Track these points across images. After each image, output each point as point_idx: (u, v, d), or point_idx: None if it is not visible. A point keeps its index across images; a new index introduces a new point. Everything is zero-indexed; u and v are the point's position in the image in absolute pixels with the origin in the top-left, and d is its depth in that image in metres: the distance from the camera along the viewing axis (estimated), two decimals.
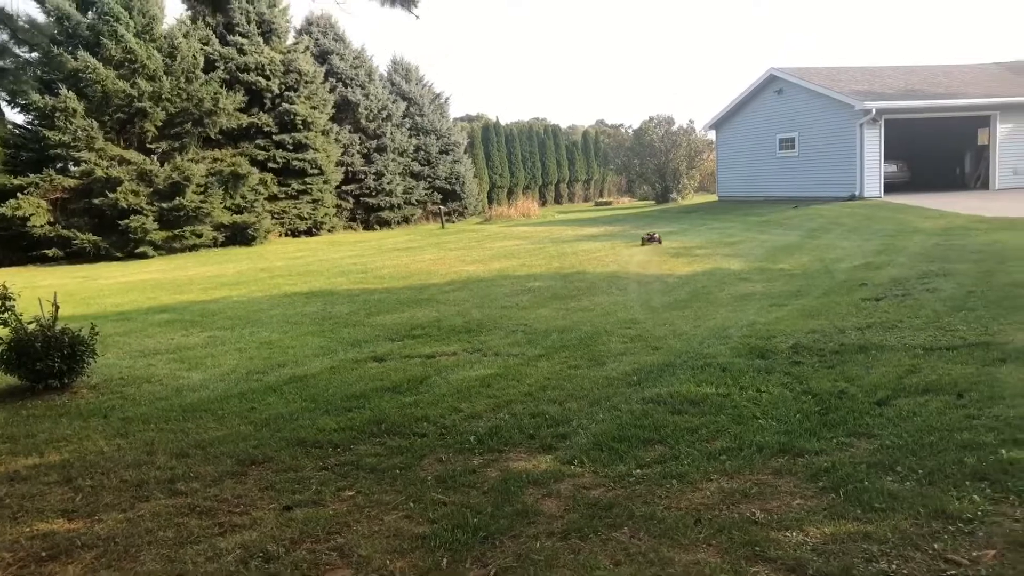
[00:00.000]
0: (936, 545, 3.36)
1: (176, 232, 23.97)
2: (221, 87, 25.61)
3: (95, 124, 22.87)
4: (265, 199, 27.42)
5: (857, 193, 23.82)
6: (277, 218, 28.31)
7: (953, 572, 3.15)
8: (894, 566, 3.22)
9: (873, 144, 23.68)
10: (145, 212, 23.22)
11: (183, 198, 23.61)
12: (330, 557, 3.63)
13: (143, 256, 23.33)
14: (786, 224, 20.18)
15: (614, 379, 6.39)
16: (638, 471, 4.42)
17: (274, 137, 28.29)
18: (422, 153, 35.17)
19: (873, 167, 23.80)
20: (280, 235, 28.51)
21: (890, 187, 24.40)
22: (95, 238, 23.06)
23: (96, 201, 22.87)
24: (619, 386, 6.18)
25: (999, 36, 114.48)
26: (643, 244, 17.16)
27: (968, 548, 3.33)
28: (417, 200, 34.62)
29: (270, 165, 28.06)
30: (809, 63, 28.41)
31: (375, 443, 5.16)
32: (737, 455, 4.55)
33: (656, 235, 17.67)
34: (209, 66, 26.14)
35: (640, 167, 39.84)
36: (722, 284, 11.38)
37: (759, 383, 5.99)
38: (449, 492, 4.29)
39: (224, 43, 27.67)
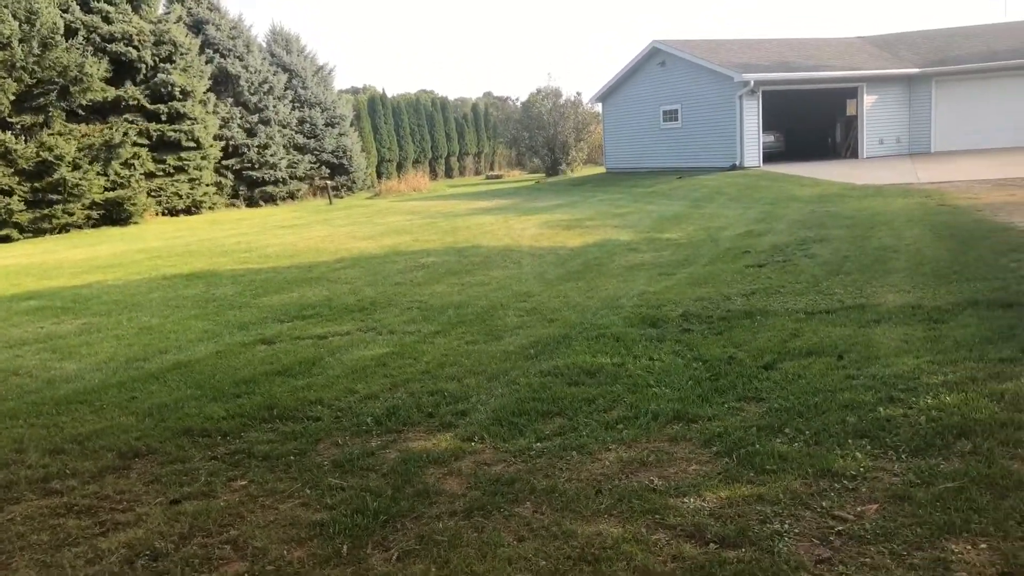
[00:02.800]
0: (824, 503, 3.50)
1: (45, 212, 22.44)
2: (84, 55, 23.96)
3: None
4: (141, 175, 26.00)
5: (738, 163, 24.67)
6: (154, 196, 26.90)
7: (840, 528, 3.29)
8: (786, 525, 3.33)
9: (752, 115, 24.55)
10: (13, 192, 21.60)
11: (59, 175, 22.05)
12: (223, 551, 3.47)
13: (6, 239, 21.76)
14: (672, 195, 20.70)
15: (511, 353, 6.38)
16: (538, 444, 4.42)
17: (147, 108, 26.79)
18: (307, 126, 34.16)
19: (752, 137, 24.69)
20: (157, 215, 27.15)
21: (768, 157, 25.39)
22: None
23: None
24: (517, 360, 6.17)
25: (861, 11, 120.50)
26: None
27: (853, 504, 3.48)
28: (303, 174, 33.65)
29: (142, 140, 26.59)
30: (691, 35, 29.11)
31: (267, 429, 4.98)
32: (634, 424, 4.62)
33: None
34: (70, 34, 24.41)
35: (529, 140, 39.96)
36: (612, 255, 11.56)
37: (652, 352, 6.11)
38: (347, 476, 4.17)
39: (87, 10, 25.92)
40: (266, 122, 31.82)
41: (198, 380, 6.20)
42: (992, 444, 3.90)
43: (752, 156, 24.68)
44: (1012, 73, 25.15)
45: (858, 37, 30.40)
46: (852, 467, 3.80)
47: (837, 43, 29.38)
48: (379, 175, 40.92)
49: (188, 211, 28.41)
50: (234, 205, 31.17)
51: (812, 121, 29.01)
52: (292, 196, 33.11)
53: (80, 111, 24.50)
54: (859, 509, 3.42)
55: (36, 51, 22.29)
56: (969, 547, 3.06)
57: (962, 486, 3.50)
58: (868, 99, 25.78)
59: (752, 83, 23.75)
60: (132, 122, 26.31)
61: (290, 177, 32.85)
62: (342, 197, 34.16)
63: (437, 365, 6.19)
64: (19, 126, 22.63)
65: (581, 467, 4.08)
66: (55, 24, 23.11)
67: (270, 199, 32.17)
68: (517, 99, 46.78)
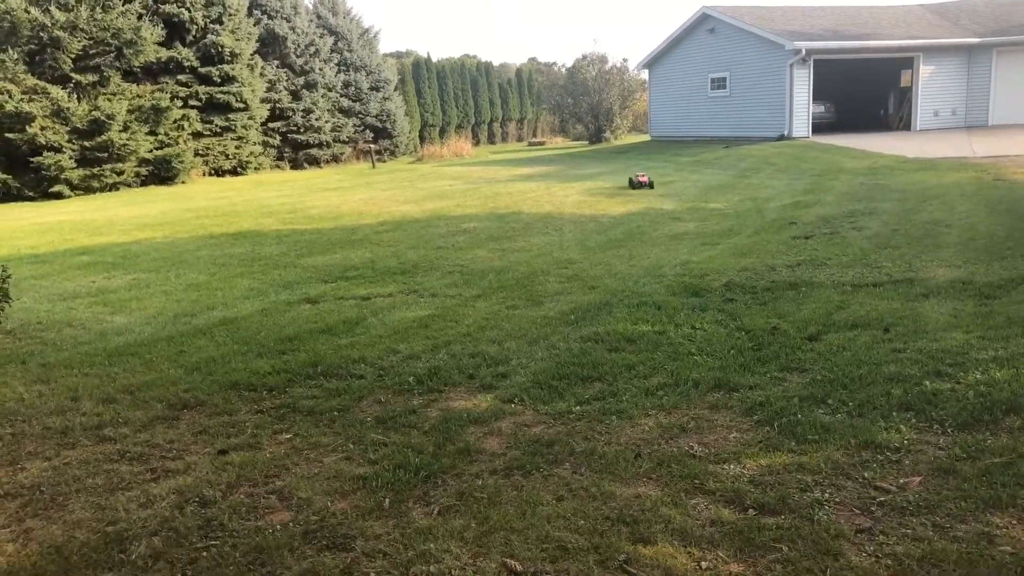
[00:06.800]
0: (866, 474, 3.48)
1: (95, 171, 22.87)
2: (140, 18, 24.26)
3: (13, 54, 21.44)
4: (189, 135, 26.33)
5: (786, 133, 24.19)
6: (201, 155, 27.23)
7: (882, 499, 3.26)
8: (827, 495, 3.32)
9: (802, 84, 24.00)
10: (63, 149, 22.05)
11: (108, 134, 22.46)
12: (269, 500, 3.56)
13: (59, 196, 22.22)
14: (717, 164, 20.41)
15: (552, 318, 6.40)
16: (578, 408, 4.45)
17: (198, 71, 27.04)
18: (352, 89, 34.21)
19: (802, 107, 24.17)
20: (204, 174, 27.50)
21: (818, 127, 24.84)
22: (4, 176, 21.83)
23: (11, 136, 21.59)
24: (557, 325, 6.19)
25: None
26: (633, 188, 15.54)
27: (896, 476, 3.45)
28: (347, 138, 33.78)
29: (192, 102, 26.88)
30: (742, 1, 28.48)
31: (311, 385, 5.07)
32: (674, 391, 4.62)
33: (642, 178, 15.80)
34: None
35: (573, 106, 39.57)
36: (656, 224, 11.46)
37: (694, 320, 6.08)
38: (389, 433, 4.24)
39: None
40: (312, 85, 31.93)
41: (244, 336, 6.32)
42: None
43: (801, 126, 24.18)
44: None
45: (917, 4, 29.45)
46: (896, 439, 3.77)
47: (894, 11, 28.49)
48: (422, 140, 40.89)
49: (234, 172, 28.74)
50: (279, 167, 31.44)
51: (864, 92, 28.28)
52: (336, 159, 33.30)
53: (135, 70, 24.81)
54: (902, 481, 3.40)
55: (98, 15, 22.62)
56: (1015, 521, 3.02)
57: (1010, 461, 3.45)
58: (924, 70, 25.02)
59: (803, 52, 23.19)
60: (185, 84, 26.60)
61: (334, 140, 33.01)
62: (385, 161, 34.27)
63: (478, 328, 6.23)
64: (73, 84, 23.02)
65: (620, 431, 4.10)
66: None
67: (314, 162, 32.39)
68: (562, 65, 46.21)
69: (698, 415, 4.27)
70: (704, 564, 2.89)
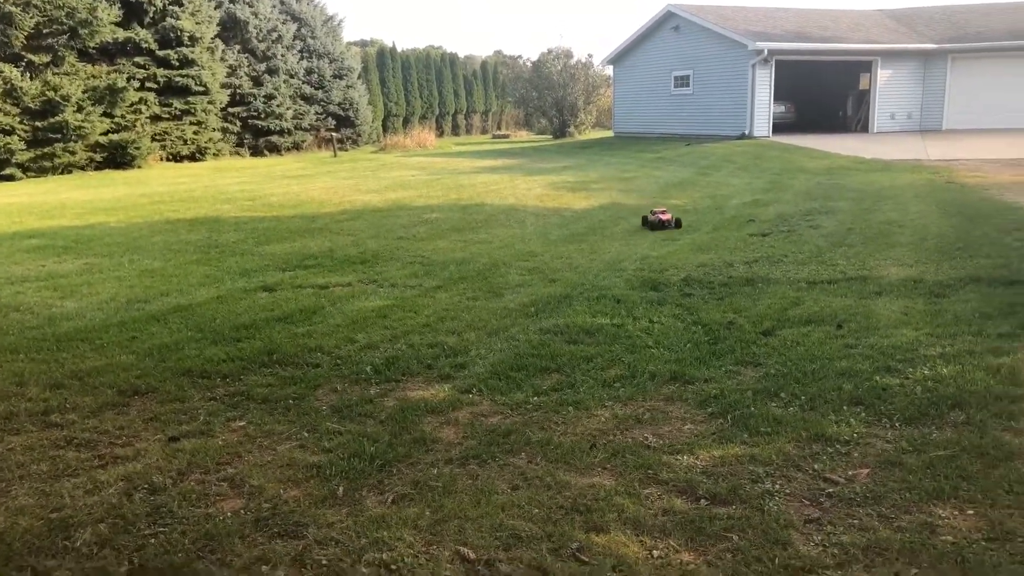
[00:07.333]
0: (816, 466, 3.54)
1: (46, 151, 22.29)
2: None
3: None
4: (147, 119, 25.78)
5: (747, 132, 24.47)
6: (158, 139, 26.68)
7: (831, 490, 3.33)
8: (778, 486, 3.37)
9: (764, 84, 24.29)
10: (14, 131, 21.45)
11: (63, 115, 21.88)
12: (220, 488, 3.52)
13: (9, 178, 21.65)
14: (679, 161, 20.58)
15: (512, 310, 6.40)
16: (535, 399, 4.46)
17: (156, 54, 26.48)
18: (315, 77, 33.80)
19: (763, 107, 24.47)
20: (161, 159, 26.97)
21: (778, 127, 25.17)
22: None
23: None
24: (517, 317, 6.19)
25: None
26: (652, 229, 10.46)
27: (844, 468, 3.52)
28: (309, 125, 33.37)
29: (149, 84, 26.31)
30: (707, 1, 28.69)
31: (266, 373, 5.01)
32: (631, 383, 4.65)
33: (663, 215, 10.61)
34: None
35: (538, 100, 39.54)
36: (617, 219, 11.53)
37: (652, 314, 6.12)
38: (345, 422, 4.21)
39: None
40: (274, 71, 31.48)
41: (199, 323, 6.22)
42: (985, 415, 3.93)
43: (762, 126, 24.48)
44: None
45: (877, 10, 29.97)
46: (846, 432, 3.84)
47: (855, 15, 28.97)
48: (385, 129, 40.53)
49: (192, 157, 28.24)
50: (238, 154, 30.96)
51: (824, 93, 28.72)
52: (297, 147, 32.90)
53: (90, 51, 24.22)
54: (850, 473, 3.46)
55: None
56: (956, 512, 3.10)
57: (953, 455, 3.54)
58: (882, 74, 25.48)
59: (766, 52, 23.47)
60: (142, 66, 26.02)
61: (295, 127, 32.60)
62: (347, 150, 33.94)
63: (437, 319, 6.20)
64: (25, 63, 22.42)
65: (577, 422, 4.12)
66: None
67: (275, 149, 31.96)
68: (527, 59, 46.00)
69: (653, 407, 4.30)
70: (656, 552, 2.92)
